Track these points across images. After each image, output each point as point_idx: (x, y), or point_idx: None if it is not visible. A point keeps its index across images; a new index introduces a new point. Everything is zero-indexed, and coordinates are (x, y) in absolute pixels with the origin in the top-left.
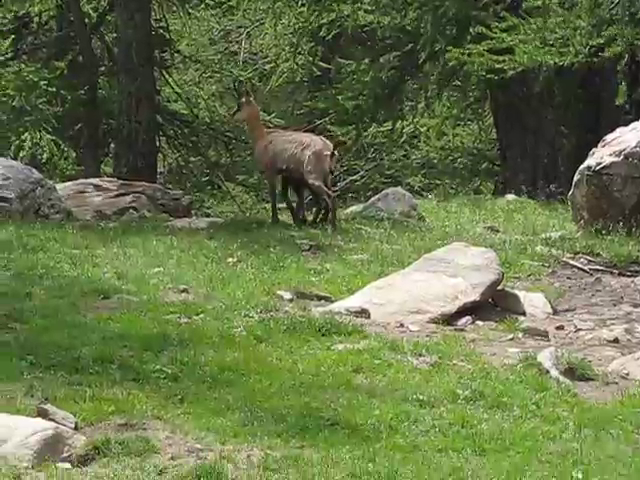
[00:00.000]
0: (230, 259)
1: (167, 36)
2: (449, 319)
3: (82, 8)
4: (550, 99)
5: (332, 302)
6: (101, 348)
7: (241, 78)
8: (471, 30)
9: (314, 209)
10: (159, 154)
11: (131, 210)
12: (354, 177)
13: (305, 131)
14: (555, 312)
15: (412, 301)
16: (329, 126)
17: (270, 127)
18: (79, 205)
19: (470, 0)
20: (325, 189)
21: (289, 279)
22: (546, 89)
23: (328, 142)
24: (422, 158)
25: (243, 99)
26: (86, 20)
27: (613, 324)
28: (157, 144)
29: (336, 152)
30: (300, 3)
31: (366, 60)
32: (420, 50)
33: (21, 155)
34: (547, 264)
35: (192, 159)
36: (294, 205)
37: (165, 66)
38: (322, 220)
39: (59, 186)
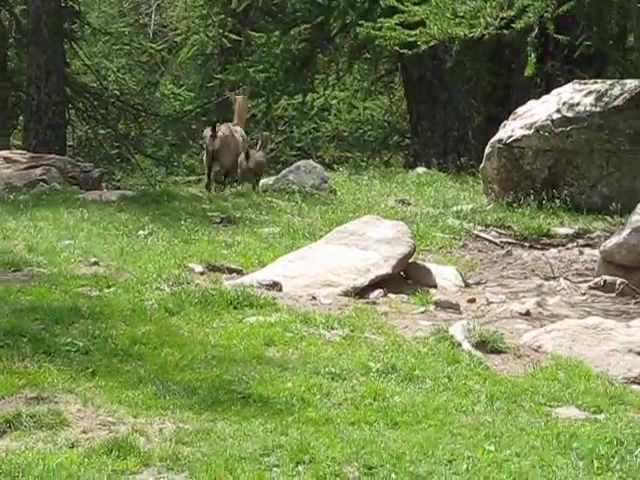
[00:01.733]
0: (141, 232)
1: (77, 8)
2: (361, 292)
3: None
4: (461, 72)
5: (244, 275)
6: (12, 321)
7: (151, 51)
8: (382, 3)
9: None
10: (69, 127)
11: (41, 183)
12: None
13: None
14: (466, 285)
15: (324, 274)
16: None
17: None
18: None
19: None
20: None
21: (200, 252)
22: (457, 62)
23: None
24: (333, 131)
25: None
26: None
27: (524, 297)
28: (66, 117)
29: (218, 134)
30: None
31: (277, 32)
32: (331, 23)
33: None
34: (458, 237)
35: (101, 132)
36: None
37: (74, 38)
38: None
39: None
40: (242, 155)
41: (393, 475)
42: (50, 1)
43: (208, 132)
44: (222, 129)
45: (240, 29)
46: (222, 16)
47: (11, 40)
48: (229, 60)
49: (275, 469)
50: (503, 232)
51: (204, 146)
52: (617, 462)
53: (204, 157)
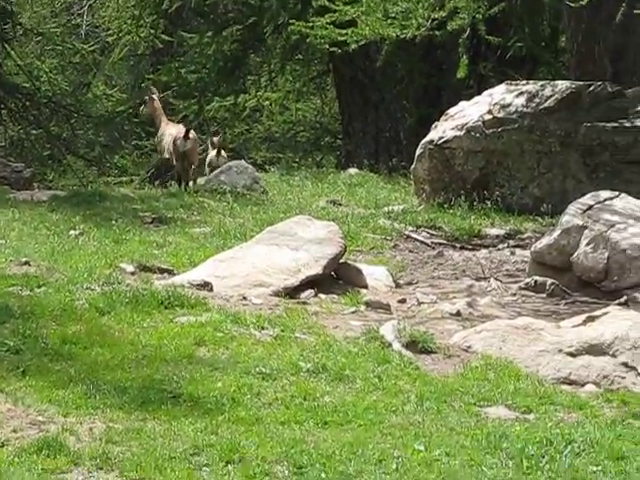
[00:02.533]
0: (72, 232)
1: (9, 8)
2: (292, 292)
3: None
4: (393, 73)
5: (175, 275)
6: None
7: (83, 52)
8: (314, 3)
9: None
10: (0, 127)
11: None
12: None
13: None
14: (397, 285)
15: (255, 274)
16: (172, 100)
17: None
18: None
19: None
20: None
21: (131, 252)
22: (389, 63)
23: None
24: (265, 132)
25: (147, 96)
26: None
27: (455, 297)
28: None
29: (190, 135)
30: None
31: (209, 33)
32: (263, 24)
33: None
34: (389, 237)
35: (33, 132)
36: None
37: (6, 38)
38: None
39: None
40: (213, 154)
41: (323, 474)
42: None
43: (180, 135)
44: (192, 132)
45: (172, 30)
46: (154, 17)
47: None
48: (161, 61)
49: (205, 468)
50: (434, 233)
51: (173, 146)
52: (546, 462)
53: (171, 156)
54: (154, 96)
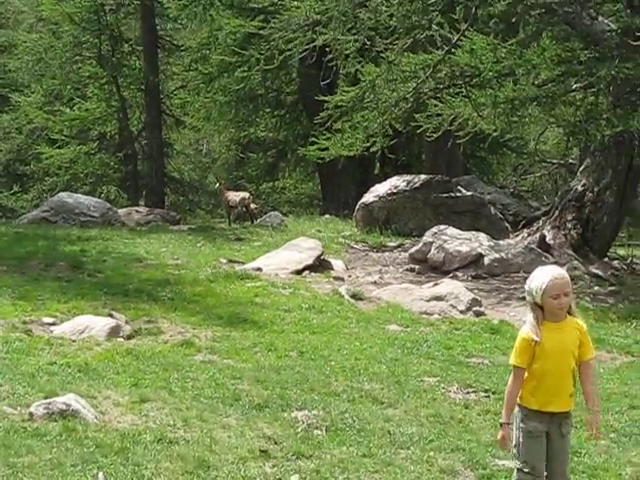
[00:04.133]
0: (198, 244)
1: None
2: (298, 272)
3: None
4: (347, 170)
5: (244, 264)
6: (138, 285)
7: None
8: None
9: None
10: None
11: (152, 222)
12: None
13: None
14: (347, 268)
15: (281, 263)
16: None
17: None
18: (128, 219)
19: None
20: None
21: (225, 253)
22: (344, 166)
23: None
24: (286, 200)
25: (219, 184)
26: None
27: (374, 274)
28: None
29: (251, 197)
30: None
31: None
32: None
33: (101, 196)
34: (344, 247)
35: (181, 198)
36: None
37: None
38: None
39: (120, 211)
40: (249, 202)
41: (312, 356)
42: None
43: (246, 197)
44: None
45: None
46: None
47: None
48: None
49: (258, 354)
50: (364, 244)
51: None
52: (415, 349)
53: (240, 208)
54: (222, 181)
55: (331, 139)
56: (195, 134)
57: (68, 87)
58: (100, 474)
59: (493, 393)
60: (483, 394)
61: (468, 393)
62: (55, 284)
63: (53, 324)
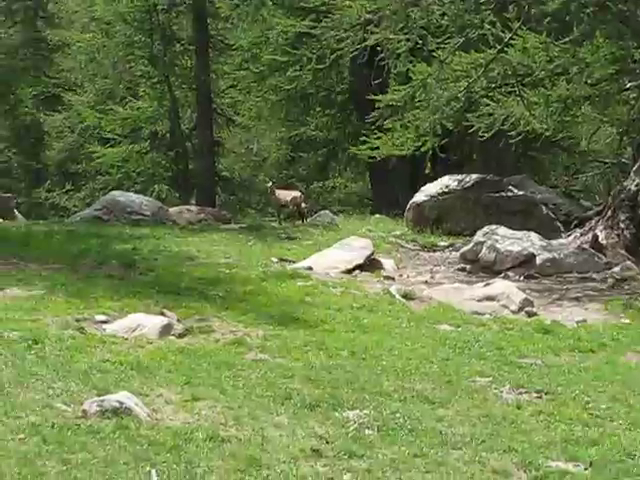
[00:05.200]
0: (249, 242)
1: None
2: (349, 271)
3: None
4: (400, 170)
5: (295, 263)
6: (189, 283)
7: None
8: None
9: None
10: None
11: (204, 221)
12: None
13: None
14: (398, 268)
15: (332, 262)
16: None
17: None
18: (179, 217)
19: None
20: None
21: (276, 252)
22: (395, 165)
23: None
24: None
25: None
26: None
27: (425, 274)
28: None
29: (302, 195)
30: None
31: None
32: None
33: (153, 195)
34: (394, 246)
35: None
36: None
37: None
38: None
39: (171, 209)
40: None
41: (362, 355)
42: None
43: (297, 195)
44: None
45: None
46: None
47: None
48: None
49: (309, 352)
50: (415, 244)
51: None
52: (467, 349)
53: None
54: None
55: (382, 138)
56: (246, 133)
57: (120, 86)
58: (153, 471)
59: (545, 394)
60: (535, 395)
61: (520, 394)
62: (107, 282)
63: (106, 322)
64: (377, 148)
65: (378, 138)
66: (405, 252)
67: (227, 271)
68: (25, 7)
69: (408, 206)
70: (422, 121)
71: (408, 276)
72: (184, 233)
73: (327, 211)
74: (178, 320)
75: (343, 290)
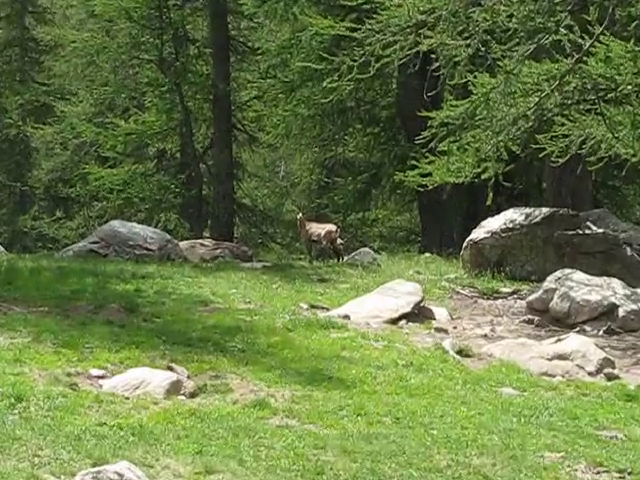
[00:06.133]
0: (274, 285)
1: None
2: (394, 321)
3: None
4: (452, 202)
5: (329, 310)
6: (202, 333)
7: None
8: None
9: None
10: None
11: (220, 257)
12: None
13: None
14: (452, 318)
15: (374, 311)
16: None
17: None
18: (191, 253)
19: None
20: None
21: (306, 297)
22: (449, 196)
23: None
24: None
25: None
26: None
27: (484, 326)
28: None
29: (338, 230)
30: None
31: None
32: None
33: (159, 226)
34: (447, 292)
35: (253, 230)
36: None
37: None
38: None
39: (182, 244)
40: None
41: (410, 423)
42: None
43: (333, 228)
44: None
45: None
46: None
47: None
48: None
49: (345, 418)
50: (472, 290)
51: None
52: (534, 418)
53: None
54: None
55: (435, 163)
56: (271, 153)
57: (123, 95)
58: None
59: (629, 474)
60: (617, 475)
61: (598, 473)
62: (105, 329)
63: (102, 377)
64: (429, 175)
65: (430, 162)
66: (461, 299)
67: (248, 319)
68: (11, 0)
69: (465, 244)
70: (483, 143)
71: (464, 328)
72: (196, 272)
73: (367, 248)
74: (189, 376)
75: (386, 344)
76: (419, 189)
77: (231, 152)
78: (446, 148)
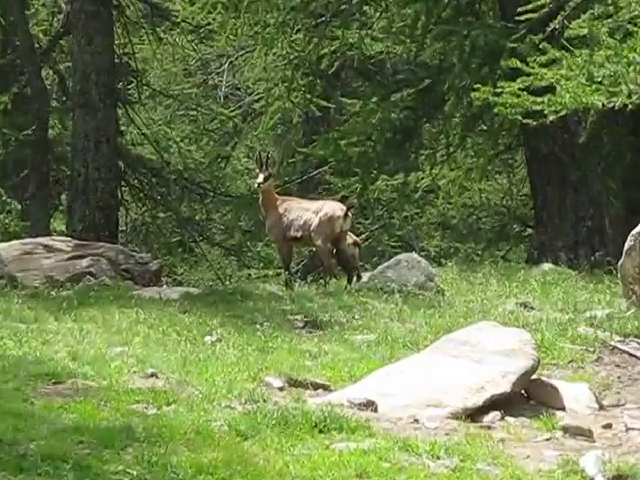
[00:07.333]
0: (208, 338)
1: (133, 65)
2: (473, 414)
3: (30, 30)
4: (597, 148)
5: (331, 392)
6: (52, 443)
7: (222, 117)
8: (503, 64)
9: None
10: (121, 208)
11: (88, 276)
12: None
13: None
14: (601, 407)
15: (429, 391)
16: (328, 177)
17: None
18: (25, 269)
19: (503, 28)
20: (327, 253)
21: (280, 363)
22: (592, 136)
23: (341, 205)
24: (440, 217)
25: (270, 170)
26: (35, 45)
27: None
28: (119, 196)
29: (349, 213)
30: (296, 28)
31: (374, 98)
32: (442, 88)
33: None
34: (592, 348)
35: (161, 215)
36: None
37: (130, 101)
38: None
39: (1, 246)
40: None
41: None
42: (102, 56)
43: (338, 211)
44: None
45: (330, 94)
46: (309, 78)
47: (53, 103)
48: (316, 130)
49: None
50: None
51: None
52: None
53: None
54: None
55: (560, 63)
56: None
57: None
58: None
59: None
60: None
61: None
62: None
63: None
64: (547, 90)
65: (550, 63)
66: (621, 365)
67: (151, 411)
68: None
69: (628, 243)
70: None
71: (627, 427)
72: (37, 308)
73: (413, 254)
74: None
75: (457, 464)
76: (525, 122)
77: (111, 39)
78: (583, 32)
